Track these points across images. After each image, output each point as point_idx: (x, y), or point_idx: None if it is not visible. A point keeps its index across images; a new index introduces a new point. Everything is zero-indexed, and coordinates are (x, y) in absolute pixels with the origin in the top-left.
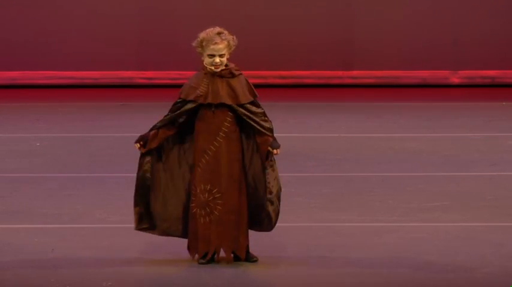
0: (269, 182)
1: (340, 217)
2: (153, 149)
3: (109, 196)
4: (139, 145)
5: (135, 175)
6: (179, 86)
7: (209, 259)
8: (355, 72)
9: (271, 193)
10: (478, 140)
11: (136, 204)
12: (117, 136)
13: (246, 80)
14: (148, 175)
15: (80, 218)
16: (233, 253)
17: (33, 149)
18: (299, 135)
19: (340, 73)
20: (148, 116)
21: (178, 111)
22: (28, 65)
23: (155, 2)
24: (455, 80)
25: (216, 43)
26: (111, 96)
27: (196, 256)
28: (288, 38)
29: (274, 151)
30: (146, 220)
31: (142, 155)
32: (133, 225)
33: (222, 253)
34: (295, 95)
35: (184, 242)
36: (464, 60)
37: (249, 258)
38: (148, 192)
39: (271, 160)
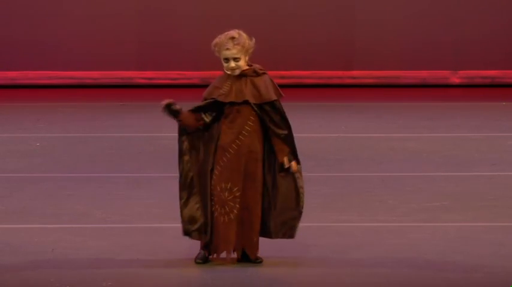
0: (301, 192)
1: (340, 217)
2: (189, 126)
3: (109, 196)
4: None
5: (135, 175)
6: (179, 86)
7: (206, 259)
8: (355, 72)
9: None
10: (478, 140)
11: (182, 211)
12: (117, 136)
13: (271, 79)
14: (190, 175)
15: (80, 218)
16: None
17: (33, 149)
18: (299, 135)
19: (340, 73)
20: (148, 116)
21: (203, 104)
22: (28, 65)
23: (155, 2)
24: (455, 80)
25: (227, 49)
26: (111, 96)
27: (201, 254)
28: (288, 38)
29: (287, 164)
30: (193, 227)
31: (181, 155)
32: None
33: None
34: (295, 95)
35: (184, 241)
36: (464, 60)
37: (255, 259)
38: (190, 196)
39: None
